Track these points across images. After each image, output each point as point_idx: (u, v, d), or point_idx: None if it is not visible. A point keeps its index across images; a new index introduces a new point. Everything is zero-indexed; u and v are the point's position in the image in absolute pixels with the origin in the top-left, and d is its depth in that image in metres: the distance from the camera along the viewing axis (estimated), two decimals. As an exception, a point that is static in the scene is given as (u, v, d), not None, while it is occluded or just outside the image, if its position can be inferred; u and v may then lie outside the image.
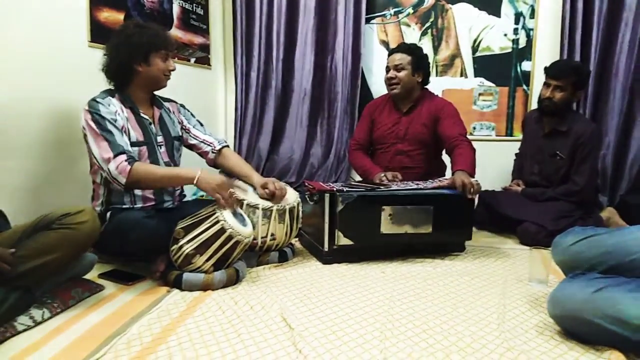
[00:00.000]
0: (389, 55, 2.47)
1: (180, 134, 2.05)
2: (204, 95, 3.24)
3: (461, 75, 3.19)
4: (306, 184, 2.19)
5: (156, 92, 1.97)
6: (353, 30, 3.16)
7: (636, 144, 2.87)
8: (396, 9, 3.23)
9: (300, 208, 2.05)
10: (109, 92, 1.82)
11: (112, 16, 2.31)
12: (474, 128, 3.20)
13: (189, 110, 2.13)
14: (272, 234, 1.92)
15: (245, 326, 1.34)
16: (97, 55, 1.86)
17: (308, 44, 3.24)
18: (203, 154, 2.10)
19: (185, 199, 2.11)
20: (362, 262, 1.98)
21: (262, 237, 1.90)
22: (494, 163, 2.92)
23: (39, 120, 1.96)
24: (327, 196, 1.95)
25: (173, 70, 1.90)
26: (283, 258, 1.99)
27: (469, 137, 2.34)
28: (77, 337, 1.27)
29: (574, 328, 1.27)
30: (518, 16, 3.08)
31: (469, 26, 3.15)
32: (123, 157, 1.67)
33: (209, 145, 2.08)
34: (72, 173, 2.10)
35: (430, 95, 2.50)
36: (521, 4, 3.07)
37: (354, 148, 2.59)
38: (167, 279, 1.67)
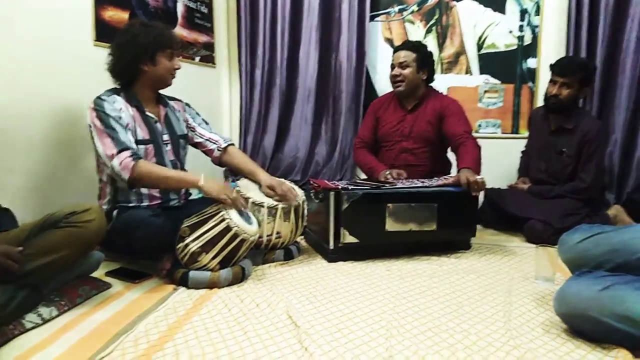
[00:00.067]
0: (393, 52, 2.47)
1: (186, 132, 2.05)
2: (209, 93, 3.25)
3: (466, 73, 3.18)
4: (311, 182, 2.19)
5: (161, 91, 1.97)
6: (357, 28, 3.15)
7: (643, 141, 2.84)
8: (400, 7, 3.22)
9: (305, 206, 2.05)
10: (114, 91, 1.83)
11: (117, 15, 2.32)
12: (480, 125, 3.18)
13: (194, 109, 2.13)
14: (278, 232, 1.92)
15: (251, 324, 1.35)
16: (102, 54, 1.87)
17: (312, 42, 3.24)
18: (208, 152, 2.10)
19: (191, 198, 2.12)
20: (367, 260, 1.98)
21: (267, 235, 1.91)
22: (500, 161, 2.90)
23: (44, 119, 1.97)
24: (332, 194, 1.95)
25: (178, 69, 1.90)
26: (288, 256, 1.99)
27: (475, 134, 2.33)
28: (85, 334, 1.28)
29: (581, 326, 1.27)
30: (523, 13, 3.06)
31: (474, 23, 3.13)
32: (127, 153, 1.67)
33: (214, 143, 2.08)
34: (78, 172, 2.11)
35: (435, 92, 2.50)
36: (526, 1, 3.04)
37: (358, 146, 2.59)
38: (173, 277, 1.68)
